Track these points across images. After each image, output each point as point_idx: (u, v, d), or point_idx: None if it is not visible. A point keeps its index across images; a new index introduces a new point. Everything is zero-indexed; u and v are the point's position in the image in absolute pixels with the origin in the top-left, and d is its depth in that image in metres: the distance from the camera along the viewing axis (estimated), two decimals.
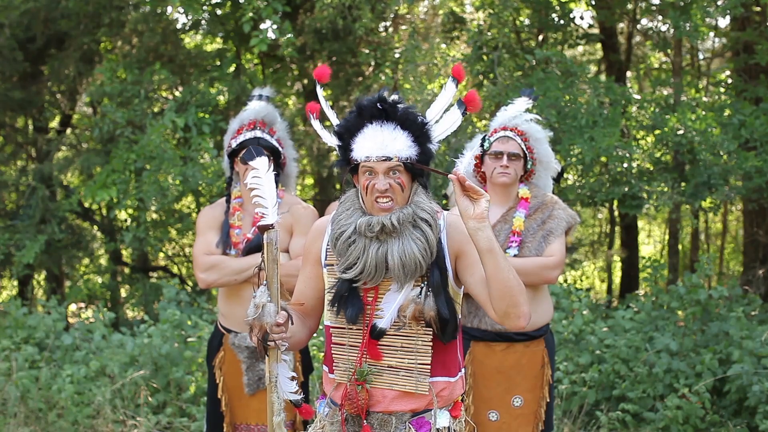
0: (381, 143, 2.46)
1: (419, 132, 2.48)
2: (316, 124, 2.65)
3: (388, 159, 2.46)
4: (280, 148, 3.85)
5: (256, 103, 3.96)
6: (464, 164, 2.76)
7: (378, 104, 2.47)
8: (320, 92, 2.67)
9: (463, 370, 2.65)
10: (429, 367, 2.52)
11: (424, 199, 2.52)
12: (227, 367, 3.83)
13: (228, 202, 3.85)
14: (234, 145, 3.80)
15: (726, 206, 10.97)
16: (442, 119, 2.54)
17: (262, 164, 2.58)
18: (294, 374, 2.60)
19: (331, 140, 2.58)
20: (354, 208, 2.52)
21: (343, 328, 2.55)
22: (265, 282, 2.48)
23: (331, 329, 2.58)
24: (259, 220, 2.50)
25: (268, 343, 2.45)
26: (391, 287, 2.50)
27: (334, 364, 2.59)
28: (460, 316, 2.59)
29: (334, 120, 2.60)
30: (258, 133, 3.79)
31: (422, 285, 2.47)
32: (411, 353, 2.52)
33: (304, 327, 2.67)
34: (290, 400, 2.58)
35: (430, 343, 2.51)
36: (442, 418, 2.56)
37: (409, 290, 2.48)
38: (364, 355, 2.53)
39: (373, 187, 2.47)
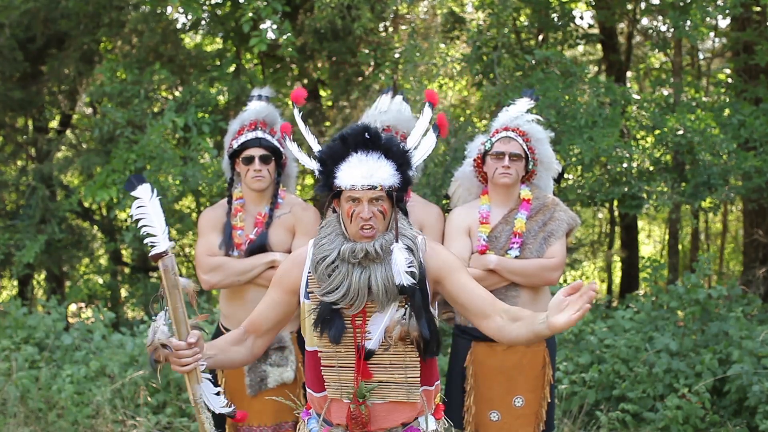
0: (366, 172, 2.53)
1: (402, 160, 2.57)
2: (292, 147, 2.73)
3: (374, 188, 2.52)
4: (282, 149, 3.85)
5: (256, 104, 3.95)
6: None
7: (364, 134, 2.53)
8: (298, 116, 2.73)
9: (437, 382, 2.76)
10: (418, 380, 2.63)
11: (404, 224, 2.61)
12: (229, 369, 3.83)
13: (230, 203, 3.85)
14: (236, 146, 3.78)
15: (726, 206, 10.97)
16: (420, 145, 2.65)
17: (144, 192, 2.56)
18: (220, 389, 2.64)
19: (310, 164, 2.64)
20: (336, 233, 2.60)
21: (332, 352, 2.62)
22: (166, 308, 2.49)
23: (319, 353, 2.64)
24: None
25: (157, 359, 2.51)
26: (377, 310, 2.57)
27: (325, 383, 2.65)
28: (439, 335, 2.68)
29: (314, 145, 2.66)
30: (259, 134, 3.78)
31: (406, 306, 2.55)
32: (400, 369, 2.62)
33: (243, 348, 2.72)
34: (225, 414, 2.65)
35: (418, 359, 2.61)
36: (430, 423, 2.69)
37: (394, 311, 2.56)
38: (359, 376, 2.60)
39: (358, 215, 2.53)
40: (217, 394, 2.63)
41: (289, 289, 2.68)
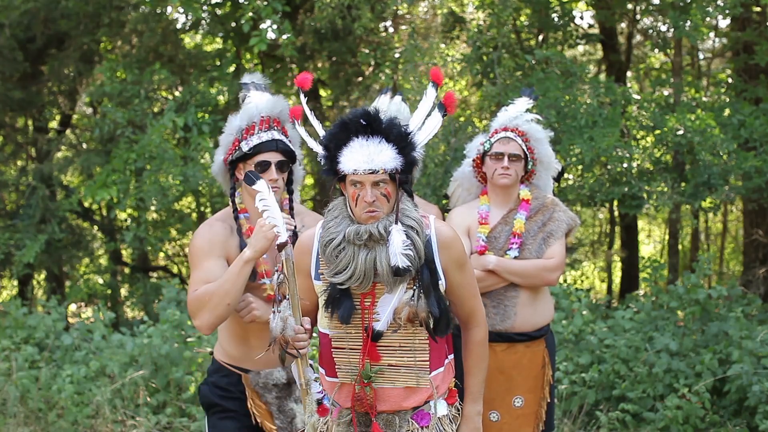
0: (367, 157, 2.55)
1: (404, 143, 2.58)
2: (301, 131, 2.75)
3: (375, 172, 2.55)
4: (296, 152, 3.17)
5: (261, 95, 3.18)
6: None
7: (362, 119, 2.56)
8: (304, 100, 2.76)
9: (450, 356, 2.75)
10: (428, 363, 2.65)
11: (409, 206, 2.64)
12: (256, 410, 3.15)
13: (237, 219, 3.12)
14: (246, 148, 3.04)
15: (726, 206, 10.97)
16: (425, 125, 2.66)
17: (263, 187, 2.70)
18: (317, 375, 2.71)
19: (317, 148, 2.67)
20: (342, 216, 2.63)
21: (342, 333, 2.65)
22: (287, 296, 2.60)
23: (330, 336, 2.68)
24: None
25: (289, 351, 2.61)
26: (385, 291, 2.61)
27: (336, 367, 2.69)
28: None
29: (319, 130, 2.70)
30: (275, 135, 3.07)
31: (414, 288, 2.58)
32: (409, 351, 2.64)
33: None
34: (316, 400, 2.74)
35: (427, 341, 2.64)
36: (440, 407, 2.69)
37: (402, 293, 2.59)
38: (365, 357, 2.63)
39: (362, 199, 2.57)
40: (315, 380, 2.73)
41: (305, 273, 2.71)
